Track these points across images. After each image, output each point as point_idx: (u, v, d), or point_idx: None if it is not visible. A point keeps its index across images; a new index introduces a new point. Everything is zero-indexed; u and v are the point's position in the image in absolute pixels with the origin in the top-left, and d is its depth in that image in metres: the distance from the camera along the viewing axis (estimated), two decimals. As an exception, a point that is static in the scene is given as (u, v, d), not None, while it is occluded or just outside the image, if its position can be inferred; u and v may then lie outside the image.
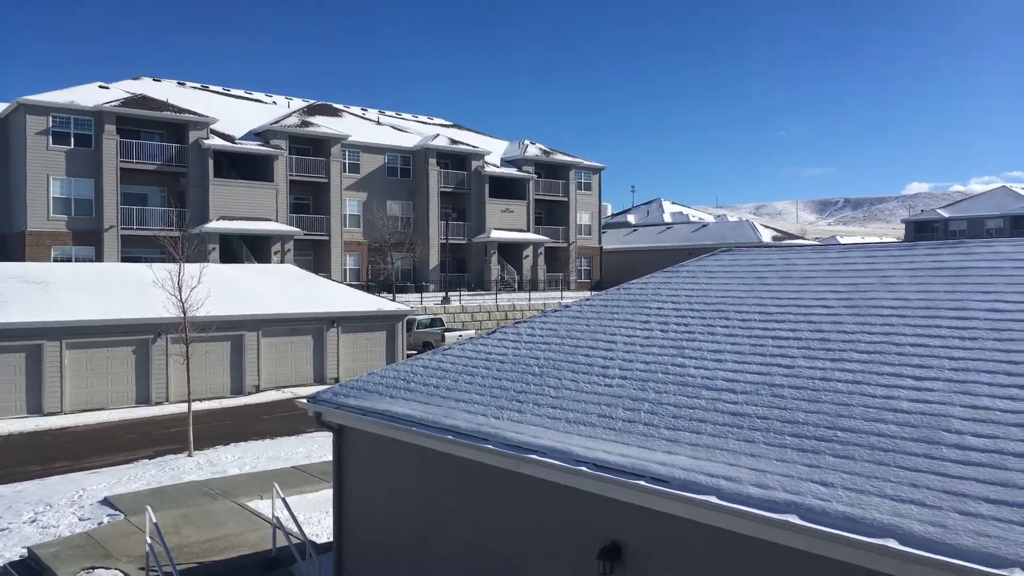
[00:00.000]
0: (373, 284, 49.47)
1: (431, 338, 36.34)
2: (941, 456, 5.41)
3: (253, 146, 47.90)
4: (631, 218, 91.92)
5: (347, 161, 52.54)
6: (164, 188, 45.70)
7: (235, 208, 46.22)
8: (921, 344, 7.06)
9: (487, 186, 57.97)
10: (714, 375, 7.55)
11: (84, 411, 24.60)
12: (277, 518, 12.64)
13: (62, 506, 15.06)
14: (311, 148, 51.24)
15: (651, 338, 8.95)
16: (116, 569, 12.04)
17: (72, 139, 42.44)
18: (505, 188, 59.75)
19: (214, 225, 44.75)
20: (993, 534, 4.57)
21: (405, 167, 55.88)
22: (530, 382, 8.61)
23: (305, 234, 49.02)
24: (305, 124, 50.96)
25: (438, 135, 58.52)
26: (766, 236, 67.18)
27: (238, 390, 27.79)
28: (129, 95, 46.14)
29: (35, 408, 24.09)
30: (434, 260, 55.17)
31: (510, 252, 59.10)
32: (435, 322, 39.17)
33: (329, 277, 43.58)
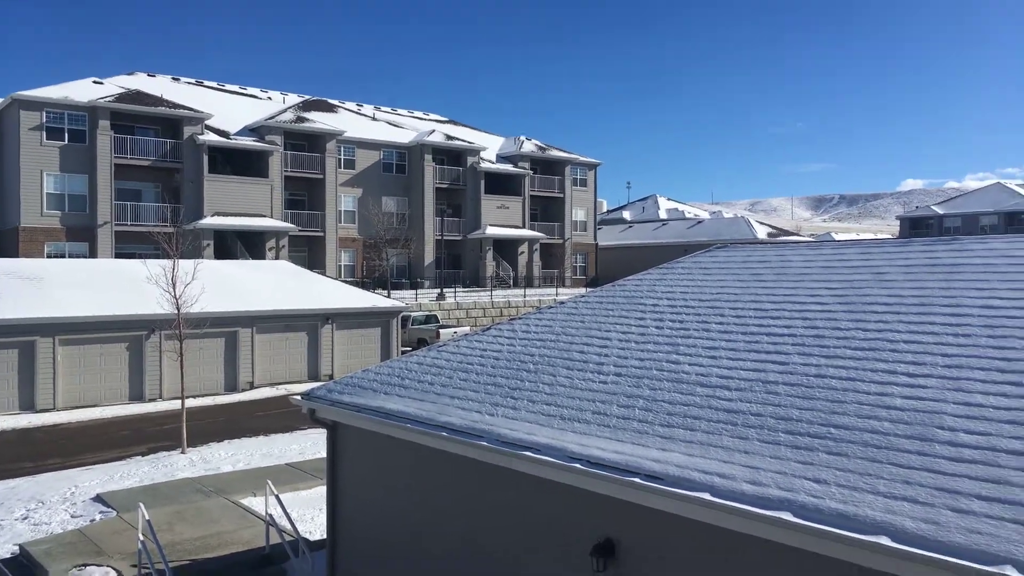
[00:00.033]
0: (368, 280, 49.39)
1: (426, 335, 36.33)
2: (934, 453, 5.41)
3: (248, 142, 47.78)
4: (627, 214, 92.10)
5: (342, 157, 52.44)
6: (158, 184, 45.52)
7: (230, 204, 46.10)
8: (915, 341, 7.06)
9: (482, 182, 57.89)
10: (709, 372, 7.55)
11: (77, 408, 24.53)
12: (270, 515, 12.63)
13: (54, 503, 15.02)
14: (306, 144, 51.10)
15: (646, 335, 8.95)
16: (108, 566, 12.01)
17: (66, 134, 42.27)
18: (501, 184, 59.69)
19: (208, 221, 44.65)
20: (985, 531, 4.57)
21: (400, 163, 55.79)
22: (525, 379, 8.60)
23: (300, 230, 48.91)
24: (300, 120, 50.83)
25: (433, 131, 58.41)
26: (761, 232, 67.36)
27: (232, 387, 27.74)
28: (123, 90, 45.98)
29: (28, 404, 24.02)
30: (429, 256, 55.11)
31: (505, 248, 59.06)
32: (430, 319, 39.14)
33: (324, 273, 43.50)
